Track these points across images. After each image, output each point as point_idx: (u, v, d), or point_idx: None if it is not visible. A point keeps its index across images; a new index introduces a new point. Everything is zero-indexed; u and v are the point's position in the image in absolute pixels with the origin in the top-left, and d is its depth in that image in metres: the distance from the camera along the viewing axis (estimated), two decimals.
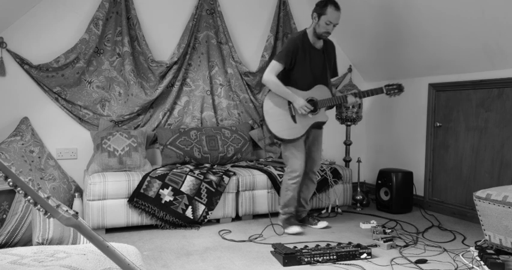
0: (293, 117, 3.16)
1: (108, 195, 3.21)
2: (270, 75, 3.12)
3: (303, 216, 3.46)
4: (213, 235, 3.20)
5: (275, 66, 3.13)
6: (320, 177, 3.82)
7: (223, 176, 3.49)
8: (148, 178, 3.31)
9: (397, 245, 2.93)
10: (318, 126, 3.31)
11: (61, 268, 1.33)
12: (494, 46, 3.23)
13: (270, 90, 3.19)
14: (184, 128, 3.93)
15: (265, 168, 3.73)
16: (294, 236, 3.16)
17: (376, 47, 4.29)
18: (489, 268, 2.38)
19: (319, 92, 3.20)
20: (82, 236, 1.87)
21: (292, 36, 3.26)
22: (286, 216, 3.27)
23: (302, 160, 3.20)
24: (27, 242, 1.86)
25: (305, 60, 3.17)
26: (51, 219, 1.75)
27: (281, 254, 2.59)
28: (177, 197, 3.32)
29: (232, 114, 4.30)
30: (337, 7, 3.10)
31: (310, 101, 3.17)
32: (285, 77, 3.19)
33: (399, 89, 3.14)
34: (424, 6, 3.44)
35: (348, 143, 4.36)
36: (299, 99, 3.10)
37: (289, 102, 3.16)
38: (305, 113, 3.11)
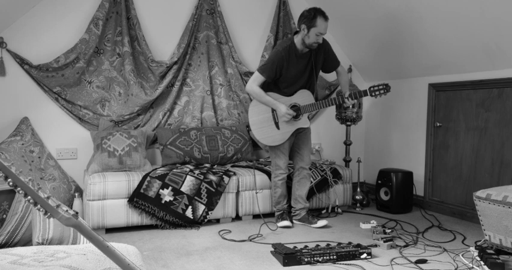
0: (276, 124, 3.30)
1: (108, 195, 3.21)
2: (252, 86, 3.25)
3: (302, 215, 3.47)
4: (213, 235, 3.20)
5: (258, 78, 3.25)
6: (320, 176, 3.83)
7: (223, 176, 3.49)
8: (148, 178, 3.31)
9: (397, 245, 2.93)
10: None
11: (61, 268, 1.33)
12: (494, 46, 3.23)
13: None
14: (184, 128, 3.93)
15: (265, 168, 3.73)
16: (294, 236, 3.17)
17: (376, 47, 4.29)
18: (489, 268, 2.37)
19: (302, 97, 3.29)
20: (82, 236, 1.87)
21: (277, 48, 3.27)
22: (280, 212, 3.49)
23: (285, 159, 3.41)
24: (27, 242, 1.86)
25: (290, 70, 3.24)
26: (51, 219, 1.75)
27: (281, 254, 2.59)
28: (177, 197, 3.32)
29: (232, 114, 4.30)
30: (325, 18, 3.15)
31: (293, 107, 3.27)
32: (270, 84, 3.31)
33: (385, 89, 3.08)
34: (424, 7, 3.44)
35: (348, 143, 4.36)
36: (281, 106, 3.21)
37: (273, 110, 3.28)
38: (287, 120, 3.23)
